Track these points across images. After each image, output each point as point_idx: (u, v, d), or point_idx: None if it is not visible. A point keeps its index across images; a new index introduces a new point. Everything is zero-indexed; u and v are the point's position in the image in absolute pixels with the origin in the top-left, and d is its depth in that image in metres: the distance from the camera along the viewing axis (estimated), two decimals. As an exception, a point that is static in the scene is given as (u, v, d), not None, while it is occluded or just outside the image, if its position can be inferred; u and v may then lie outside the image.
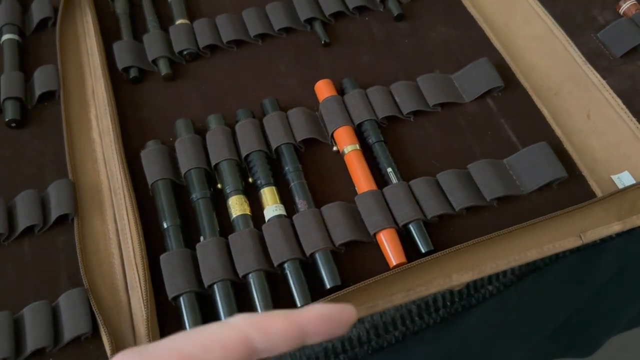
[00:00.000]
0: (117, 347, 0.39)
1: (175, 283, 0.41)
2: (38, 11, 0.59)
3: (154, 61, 0.55)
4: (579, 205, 0.41)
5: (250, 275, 0.41)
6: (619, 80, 0.49)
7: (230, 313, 0.40)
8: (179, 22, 0.58)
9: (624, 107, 0.47)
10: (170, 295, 0.41)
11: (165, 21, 0.59)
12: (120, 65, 0.55)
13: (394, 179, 0.46)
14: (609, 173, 0.46)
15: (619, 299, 0.56)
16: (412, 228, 0.43)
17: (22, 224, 0.45)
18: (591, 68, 0.50)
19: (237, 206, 0.45)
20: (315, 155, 0.49)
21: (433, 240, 0.42)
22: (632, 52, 0.50)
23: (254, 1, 0.59)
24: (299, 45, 0.57)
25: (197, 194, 0.46)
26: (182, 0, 0.60)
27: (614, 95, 0.48)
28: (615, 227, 0.42)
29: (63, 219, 0.45)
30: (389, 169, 0.46)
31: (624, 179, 0.45)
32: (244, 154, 0.48)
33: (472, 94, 0.51)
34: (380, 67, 0.54)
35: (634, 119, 0.46)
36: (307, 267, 0.42)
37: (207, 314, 0.41)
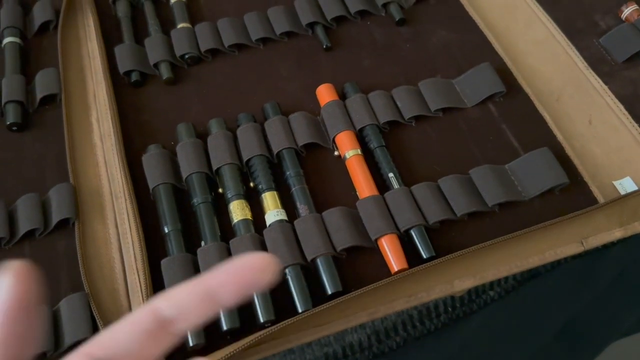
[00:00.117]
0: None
1: (176, 288, 0.41)
2: (39, 14, 0.59)
3: (156, 65, 0.55)
4: (580, 211, 0.41)
5: (251, 280, 0.41)
6: (621, 85, 0.49)
7: (231, 318, 0.40)
8: (180, 25, 0.58)
9: (625, 112, 0.47)
10: (171, 300, 0.41)
11: (166, 25, 0.59)
12: (121, 69, 0.55)
13: (395, 184, 0.46)
14: (610, 179, 0.45)
15: (620, 304, 0.56)
16: (413, 233, 0.43)
17: (22, 228, 0.45)
18: (593, 73, 0.49)
19: (238, 211, 0.45)
20: (317, 160, 0.49)
21: (434, 246, 0.42)
22: (634, 57, 0.50)
23: (256, 5, 0.59)
24: (300, 49, 0.57)
25: (198, 199, 0.46)
26: (183, 4, 0.60)
27: (616, 100, 0.48)
28: (617, 234, 0.42)
29: (64, 223, 0.45)
30: (391, 174, 0.46)
31: (625, 185, 0.45)
32: (245, 159, 0.48)
33: (474, 99, 0.51)
34: (382, 71, 0.54)
35: (635, 125, 0.46)
36: (308, 273, 0.42)
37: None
